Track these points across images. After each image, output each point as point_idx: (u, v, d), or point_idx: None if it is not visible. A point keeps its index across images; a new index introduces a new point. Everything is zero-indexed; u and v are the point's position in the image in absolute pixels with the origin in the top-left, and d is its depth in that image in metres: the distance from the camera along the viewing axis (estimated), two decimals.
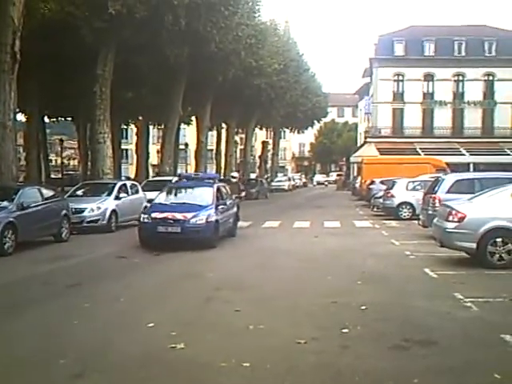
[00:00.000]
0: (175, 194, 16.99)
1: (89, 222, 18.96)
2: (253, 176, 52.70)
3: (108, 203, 19.74)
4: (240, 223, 21.20)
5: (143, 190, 22.88)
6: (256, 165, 73.35)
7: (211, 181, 17.48)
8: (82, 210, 18.95)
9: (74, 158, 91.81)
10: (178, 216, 14.67)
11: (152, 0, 25.14)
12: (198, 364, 5.98)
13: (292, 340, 6.68)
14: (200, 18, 27.99)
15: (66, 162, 74.29)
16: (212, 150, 58.22)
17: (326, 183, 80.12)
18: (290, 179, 65.83)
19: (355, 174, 54.22)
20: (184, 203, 15.85)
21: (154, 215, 14.90)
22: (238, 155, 71.72)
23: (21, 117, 37.39)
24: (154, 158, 56.20)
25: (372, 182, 32.59)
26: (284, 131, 77.67)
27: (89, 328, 7.43)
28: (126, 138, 69.47)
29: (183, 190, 17.38)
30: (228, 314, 8.06)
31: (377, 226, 21.02)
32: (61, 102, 38.99)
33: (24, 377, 5.69)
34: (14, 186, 17.60)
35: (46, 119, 46.98)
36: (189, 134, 61.16)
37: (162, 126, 43.30)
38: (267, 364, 5.93)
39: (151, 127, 52.75)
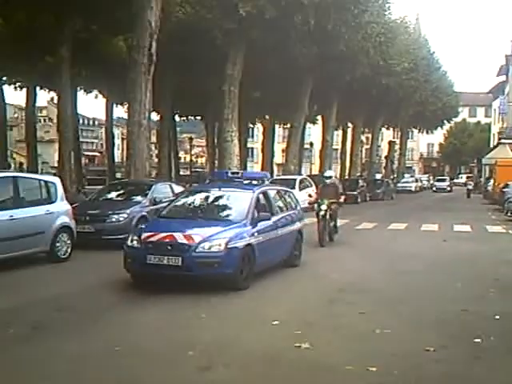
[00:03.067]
0: (191, 204, 11.52)
1: None
2: (378, 176, 51.67)
3: None
4: (363, 224, 20.85)
5: None
6: (382, 165, 72.01)
7: (256, 182, 12.21)
8: None
9: (201, 156, 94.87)
10: (180, 238, 9.29)
11: (281, 0, 25.36)
12: (323, 365, 5.92)
13: (420, 347, 6.44)
14: (329, 17, 27.81)
15: (194, 159, 76.84)
16: (337, 149, 57.82)
17: (449, 188, 64.78)
18: (417, 180, 63.95)
19: (487, 176, 51.59)
20: (201, 218, 10.50)
21: (145, 236, 9.53)
22: (364, 155, 70.75)
23: (154, 116, 39.12)
24: (278, 157, 56.84)
25: (506, 186, 30.92)
26: (412, 131, 75.58)
27: (215, 322, 7.60)
28: (252, 136, 70.73)
29: (205, 197, 11.55)
30: (352, 316, 7.94)
31: (511, 232, 19.89)
32: (191, 102, 40.42)
33: (154, 367, 5.89)
34: (148, 181, 18.41)
35: (177, 118, 48.86)
36: (314, 133, 61.17)
37: (288, 125, 43.59)
38: (394, 370, 5.75)
39: (277, 126, 53.31)
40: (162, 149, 37.98)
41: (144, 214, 14.83)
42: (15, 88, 37.05)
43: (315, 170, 43.51)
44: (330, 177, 16.92)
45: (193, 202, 11.58)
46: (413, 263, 12.64)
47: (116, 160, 49.93)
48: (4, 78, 35.21)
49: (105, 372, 5.69)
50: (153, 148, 40.43)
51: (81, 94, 39.48)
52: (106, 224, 14.27)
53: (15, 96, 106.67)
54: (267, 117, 47.87)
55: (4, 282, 9.81)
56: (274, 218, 11.00)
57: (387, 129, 68.27)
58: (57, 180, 13.08)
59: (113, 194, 16.87)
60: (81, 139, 43.81)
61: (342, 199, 16.22)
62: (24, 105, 39.35)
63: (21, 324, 7.28)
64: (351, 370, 5.76)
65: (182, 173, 51.59)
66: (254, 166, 71.06)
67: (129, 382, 5.37)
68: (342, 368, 5.80)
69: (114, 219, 14.43)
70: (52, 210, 12.10)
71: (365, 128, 58.33)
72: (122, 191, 17.12)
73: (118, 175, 41.25)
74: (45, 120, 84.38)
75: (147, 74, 19.83)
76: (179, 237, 9.27)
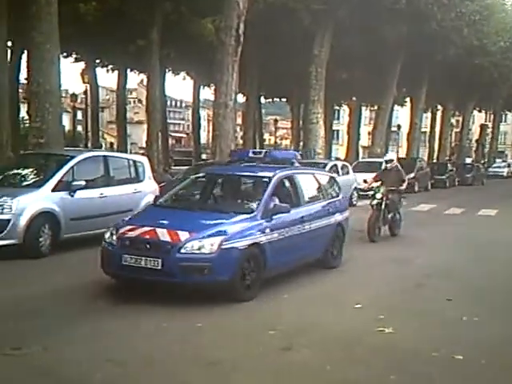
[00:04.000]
0: (195, 191, 9.78)
1: None
2: (468, 161, 49.89)
3: None
4: (452, 209, 20.23)
5: (354, 172, 22.96)
6: (472, 149, 69.51)
7: (281, 165, 9.92)
8: None
9: (286, 138, 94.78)
10: (163, 235, 7.36)
11: None
12: (406, 350, 5.79)
13: (510, 336, 6.19)
14: None
15: (278, 141, 76.96)
16: (425, 132, 56.24)
17: None
18: (509, 165, 61.34)
19: None
20: (201, 208, 8.62)
21: (122, 231, 7.65)
22: (453, 138, 68.50)
23: (240, 97, 39.41)
24: (364, 140, 55.95)
25: None
26: (505, 114, 72.43)
27: (297, 303, 7.60)
28: (338, 118, 69.99)
29: (213, 183, 9.69)
30: (439, 302, 7.72)
31: None
32: (277, 83, 40.38)
33: (235, 344, 5.97)
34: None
35: (262, 100, 48.99)
36: (402, 115, 59.73)
37: (375, 107, 42.78)
38: (482, 359, 5.56)
39: (363, 108, 52.44)
40: (247, 130, 38.26)
41: None
42: (107, 71, 38.27)
43: (402, 153, 42.46)
44: (391, 160, 14.22)
45: (197, 189, 9.69)
46: (503, 251, 12.14)
47: (202, 141, 50.72)
48: (97, 61, 36.42)
49: (188, 347, 5.81)
50: (238, 130, 40.82)
51: (169, 75, 40.28)
52: None
53: (107, 78, 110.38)
54: (354, 98, 47.17)
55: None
56: (301, 210, 8.85)
57: (479, 111, 65.65)
58: (145, 160, 13.43)
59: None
60: (168, 120, 44.78)
61: (403, 186, 13.66)
62: (115, 87, 40.62)
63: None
64: (436, 356, 5.60)
65: None
66: (340, 149, 70.38)
67: (211, 358, 5.44)
68: (426, 354, 5.65)
69: None
70: (139, 189, 12.43)
71: (455, 110, 56.39)
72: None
73: (204, 156, 41.92)
74: (134, 102, 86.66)
75: (234, 56, 19.89)
76: (162, 233, 7.33)
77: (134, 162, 12.87)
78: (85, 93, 33.72)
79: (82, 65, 35.67)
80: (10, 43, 24.86)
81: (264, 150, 10.93)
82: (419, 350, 5.77)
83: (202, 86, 44.08)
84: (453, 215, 19.28)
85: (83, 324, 6.34)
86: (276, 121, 59.25)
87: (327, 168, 19.44)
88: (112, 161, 12.11)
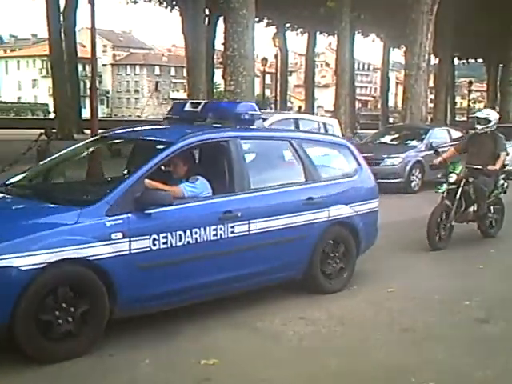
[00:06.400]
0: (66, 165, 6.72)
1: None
2: None
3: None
4: None
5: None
6: None
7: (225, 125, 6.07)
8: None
9: (480, 102, 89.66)
10: None
11: None
12: None
13: None
14: None
15: (471, 104, 73.02)
16: None
17: None
18: None
19: None
20: (36, 196, 5.38)
21: None
22: None
23: (432, 59, 37.77)
24: None
25: None
26: None
27: (494, 274, 7.20)
28: None
29: (96, 153, 7.28)
30: None
31: None
32: (472, 43, 38.12)
33: (429, 312, 5.81)
34: (424, 126, 17.94)
35: (456, 61, 46.59)
36: None
37: None
38: None
39: None
40: (438, 94, 36.60)
41: (419, 159, 14.53)
42: (296, 34, 38.76)
43: None
44: (488, 120, 8.75)
45: (73, 161, 6.82)
46: None
47: (389, 105, 49.71)
48: (287, 25, 36.99)
49: (380, 311, 5.79)
50: (428, 93, 39.27)
51: (357, 38, 39.77)
52: (380, 167, 14.28)
53: (295, 42, 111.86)
54: None
55: None
56: (232, 198, 5.48)
57: None
58: (335, 122, 13.47)
59: (387, 138, 16.82)
60: (355, 84, 44.38)
61: (497, 165, 8.56)
62: (303, 51, 41.07)
63: None
64: None
65: (457, 118, 49.45)
66: None
67: (404, 325, 5.40)
68: None
69: (388, 163, 14.40)
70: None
71: None
72: (396, 135, 16.98)
73: (390, 120, 41.08)
74: (321, 65, 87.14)
75: (429, 14, 19.09)
76: None
77: (325, 124, 12.95)
78: (275, 57, 34.49)
79: (272, 29, 36.49)
80: (207, 11, 26.09)
81: (204, 101, 6.71)
82: None
83: (391, 48, 42.96)
84: None
85: None
86: (471, 83, 56.02)
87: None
88: (303, 123, 12.31)
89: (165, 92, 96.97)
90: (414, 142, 15.55)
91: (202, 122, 6.11)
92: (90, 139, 6.76)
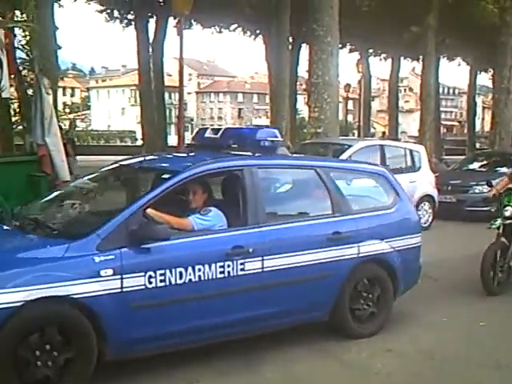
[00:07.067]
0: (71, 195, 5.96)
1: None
2: None
3: None
4: None
5: None
6: None
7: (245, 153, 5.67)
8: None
9: None
10: None
11: None
12: None
13: None
14: None
15: None
16: None
17: None
18: None
19: None
20: (35, 230, 4.84)
21: None
22: None
23: None
24: None
25: None
26: None
27: None
28: None
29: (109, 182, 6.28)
30: None
31: None
32: None
33: None
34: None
35: None
36: None
37: None
38: None
39: None
40: None
41: (510, 186, 13.96)
42: (380, 60, 38.52)
43: None
44: None
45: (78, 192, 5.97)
46: None
47: (476, 130, 48.36)
48: (370, 51, 36.84)
49: (472, 345, 5.56)
50: None
51: (442, 62, 39.08)
52: (468, 195, 13.88)
53: (377, 67, 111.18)
54: None
55: None
56: (245, 232, 5.01)
57: None
58: (421, 148, 13.19)
59: (475, 165, 16.30)
60: (440, 109, 43.48)
61: None
62: (385, 76, 40.74)
63: None
64: None
65: None
66: None
67: (502, 361, 5.18)
68: None
69: (477, 190, 13.92)
70: (415, 179, 12.21)
71: None
72: (485, 162, 16.45)
73: (477, 145, 39.89)
74: (405, 90, 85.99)
75: None
76: None
77: (411, 150, 12.71)
78: (359, 82, 34.38)
79: (355, 55, 36.44)
80: (290, 38, 26.35)
81: (224, 127, 6.59)
82: None
83: (478, 72, 41.90)
84: None
85: None
86: None
87: None
88: (388, 149, 12.12)
89: (247, 119, 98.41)
90: (504, 169, 14.99)
91: (225, 149, 5.74)
92: (105, 168, 6.09)
